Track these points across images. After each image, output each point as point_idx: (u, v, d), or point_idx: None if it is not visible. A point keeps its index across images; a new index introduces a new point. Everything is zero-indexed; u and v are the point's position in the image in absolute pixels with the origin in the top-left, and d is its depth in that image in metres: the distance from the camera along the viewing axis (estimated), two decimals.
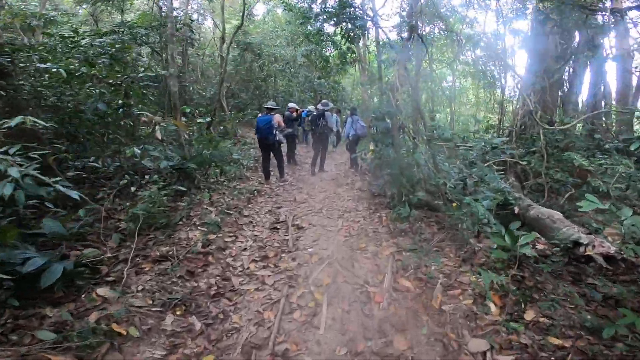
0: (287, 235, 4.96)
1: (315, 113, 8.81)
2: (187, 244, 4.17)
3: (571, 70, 11.10)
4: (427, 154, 5.71)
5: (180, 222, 4.84)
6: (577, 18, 6.83)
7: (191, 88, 12.14)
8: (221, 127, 10.16)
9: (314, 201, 6.46)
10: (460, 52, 22.18)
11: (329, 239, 4.78)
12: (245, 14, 11.94)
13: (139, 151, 4.75)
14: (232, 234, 4.87)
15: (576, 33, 10.17)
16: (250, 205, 6.13)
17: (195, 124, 7.83)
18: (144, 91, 5.60)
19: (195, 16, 18.67)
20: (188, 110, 9.45)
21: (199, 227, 4.79)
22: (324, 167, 8.89)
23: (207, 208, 5.42)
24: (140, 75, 5.22)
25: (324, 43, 18.63)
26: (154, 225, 4.41)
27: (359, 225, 5.41)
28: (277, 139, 7.44)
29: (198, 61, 16.96)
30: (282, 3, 12.39)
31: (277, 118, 7.41)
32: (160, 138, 4.61)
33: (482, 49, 21.53)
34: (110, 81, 5.01)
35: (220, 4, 13.34)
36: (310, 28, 8.53)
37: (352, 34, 8.45)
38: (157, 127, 4.50)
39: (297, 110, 9.32)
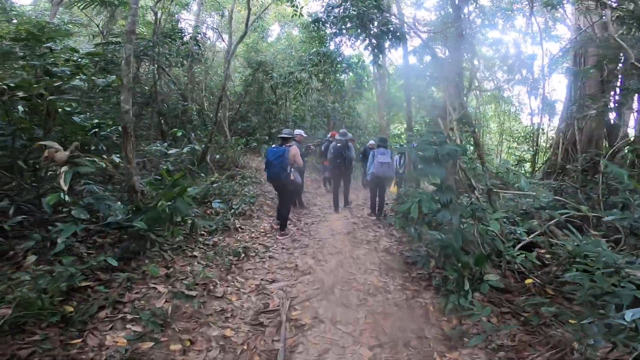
0: (278, 340, 2.95)
1: (338, 144, 7.12)
2: None
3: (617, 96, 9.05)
4: (497, 214, 3.61)
5: (102, 315, 2.86)
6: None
7: (193, 108, 10.44)
8: (217, 157, 8.24)
9: (322, 270, 4.38)
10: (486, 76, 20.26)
11: (344, 355, 2.75)
12: (251, 24, 10.28)
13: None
14: (186, 336, 2.86)
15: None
16: (230, 277, 4.07)
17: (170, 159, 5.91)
18: (69, 109, 3.73)
19: (210, 33, 17.38)
20: (180, 134, 7.61)
21: (128, 325, 2.80)
22: (349, 201, 7.53)
23: (155, 287, 3.40)
24: (66, 84, 3.31)
25: (338, 65, 17.06)
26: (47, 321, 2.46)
27: (391, 322, 3.35)
28: (292, 178, 5.52)
29: (207, 79, 15.36)
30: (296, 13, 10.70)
31: (294, 151, 5.52)
32: (64, 188, 2.66)
33: (511, 71, 19.64)
34: (20, 94, 3.12)
35: (228, 16, 11.76)
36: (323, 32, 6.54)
37: (377, 46, 6.58)
38: (62, 169, 2.57)
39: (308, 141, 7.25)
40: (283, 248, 5.01)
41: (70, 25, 10.86)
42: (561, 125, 12.59)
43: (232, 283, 3.95)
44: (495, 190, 4.03)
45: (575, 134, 11.62)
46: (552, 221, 4.32)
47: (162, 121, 7.73)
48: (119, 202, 3.77)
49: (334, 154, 7.14)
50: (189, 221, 4.06)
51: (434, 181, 3.38)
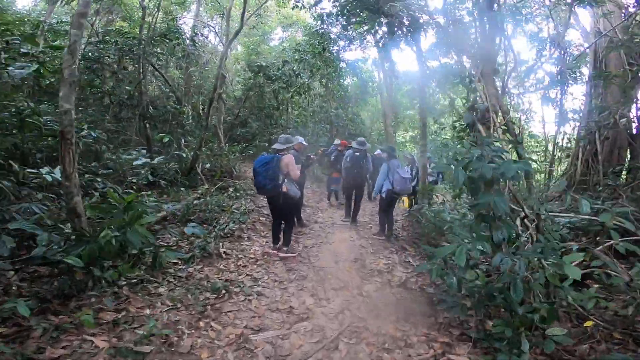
0: None
1: (356, 154, 6.45)
2: None
3: None
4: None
5: None
6: None
7: (186, 112, 9.57)
8: (207, 165, 7.29)
9: (324, 314, 3.40)
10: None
11: None
12: (246, 19, 9.41)
13: None
14: None
15: None
16: (202, 322, 3.09)
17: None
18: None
19: (211, 37, 16.59)
20: (167, 139, 6.69)
21: None
22: (357, 218, 6.64)
23: (91, 339, 2.44)
24: None
25: (342, 70, 16.17)
26: None
27: None
28: (284, 190, 4.58)
29: (205, 82, 14.48)
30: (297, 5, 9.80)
31: (286, 160, 4.58)
32: None
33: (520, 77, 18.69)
34: None
35: (225, 15, 10.91)
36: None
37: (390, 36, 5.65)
38: None
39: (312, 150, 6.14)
40: (275, 280, 4.01)
41: (66, 25, 10.06)
42: (580, 135, 11.62)
43: (205, 332, 2.96)
44: (546, 215, 3.06)
45: (597, 144, 10.65)
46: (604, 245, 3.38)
47: (147, 125, 6.82)
48: (61, 230, 2.81)
49: (351, 163, 6.31)
50: (152, 253, 3.09)
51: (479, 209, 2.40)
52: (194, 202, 5.34)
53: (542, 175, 15.74)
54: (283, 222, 5.27)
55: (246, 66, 14.59)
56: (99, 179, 4.85)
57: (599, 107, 11.37)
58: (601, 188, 10.42)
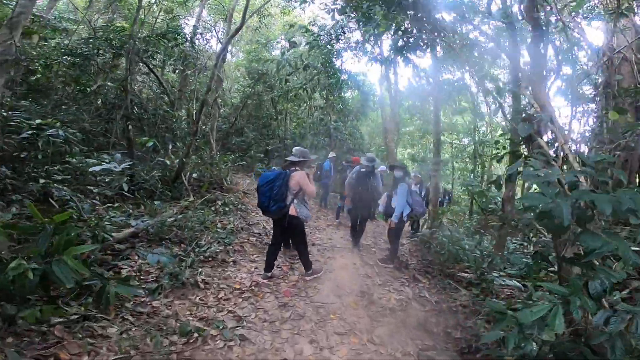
0: None
1: (362, 170, 5.66)
2: None
3: None
4: None
5: None
6: None
7: (176, 115, 8.80)
8: (194, 175, 6.47)
9: None
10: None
11: None
12: (249, 17, 8.75)
13: None
14: None
15: None
16: None
17: None
18: None
19: (213, 42, 15.93)
20: (151, 144, 5.92)
21: None
22: (360, 241, 5.78)
23: None
24: None
25: (343, 82, 15.61)
26: None
27: None
28: (294, 213, 3.90)
29: (202, 87, 13.76)
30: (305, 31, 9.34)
31: (298, 177, 3.87)
32: None
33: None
34: None
35: (227, 15, 10.28)
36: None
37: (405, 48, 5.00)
38: None
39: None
40: (265, 320, 3.18)
41: (64, 22, 9.36)
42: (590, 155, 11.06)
43: None
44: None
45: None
46: None
47: (130, 127, 6.03)
48: None
49: (356, 179, 5.59)
50: (98, 286, 2.27)
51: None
52: (171, 218, 4.47)
53: None
54: (283, 246, 4.69)
55: (246, 73, 13.95)
56: (60, 186, 4.03)
57: (610, 127, 10.86)
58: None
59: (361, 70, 33.85)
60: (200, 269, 3.78)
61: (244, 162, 9.11)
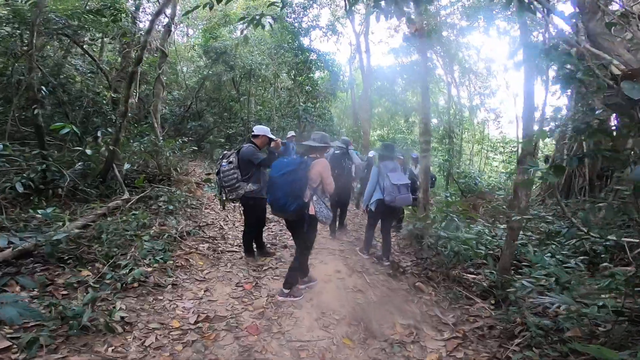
0: None
1: (337, 152, 5.17)
2: None
3: None
4: None
5: None
6: None
7: (108, 96, 7.11)
8: (126, 166, 4.98)
9: None
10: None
11: None
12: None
13: None
14: None
15: None
16: None
17: None
18: None
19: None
20: (67, 130, 4.39)
21: None
22: (345, 223, 5.57)
23: None
24: None
25: (312, 62, 14.29)
26: None
27: None
28: (312, 212, 2.93)
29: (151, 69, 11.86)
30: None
31: (319, 167, 2.96)
32: None
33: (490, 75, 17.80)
34: None
35: None
36: None
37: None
38: None
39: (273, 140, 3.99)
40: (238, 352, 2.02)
41: None
42: (563, 138, 10.62)
43: None
44: None
45: (584, 146, 9.65)
46: None
47: (37, 112, 4.45)
48: None
49: (331, 163, 4.48)
50: None
51: None
52: (74, 230, 3.09)
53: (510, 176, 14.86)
54: (245, 253, 3.86)
55: (203, 53, 12.21)
56: None
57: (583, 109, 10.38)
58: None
59: (331, 50, 32.43)
60: (118, 302, 2.51)
61: (196, 148, 7.62)
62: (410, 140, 19.61)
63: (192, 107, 11.47)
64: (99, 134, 5.31)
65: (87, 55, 8.14)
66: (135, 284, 2.85)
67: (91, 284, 2.61)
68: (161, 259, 3.13)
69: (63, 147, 4.79)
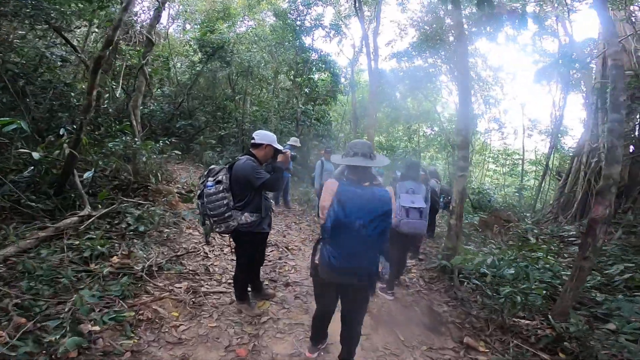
0: None
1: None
2: None
3: None
4: None
5: None
6: None
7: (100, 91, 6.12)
8: (89, 174, 3.92)
9: None
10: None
11: None
12: None
13: None
14: None
15: None
16: None
17: None
18: None
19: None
20: (15, 127, 3.38)
21: None
22: None
23: None
24: None
25: (313, 62, 13.40)
26: None
27: None
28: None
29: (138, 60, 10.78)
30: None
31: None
32: None
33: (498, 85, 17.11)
34: None
35: None
36: None
37: None
38: None
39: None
40: None
41: None
42: (581, 149, 9.91)
43: None
44: None
45: (602, 161, 8.96)
46: None
47: None
48: None
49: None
50: None
51: None
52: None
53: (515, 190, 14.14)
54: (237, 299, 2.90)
55: (198, 47, 11.19)
56: None
57: (603, 120, 9.72)
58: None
59: (333, 51, 31.65)
60: None
61: (179, 152, 6.52)
62: (411, 149, 18.84)
63: (184, 104, 10.45)
64: (62, 132, 4.32)
65: (69, 45, 7.12)
66: (73, 353, 1.90)
67: None
68: (112, 319, 2.14)
69: (10, 148, 3.76)
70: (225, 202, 2.32)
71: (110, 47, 3.88)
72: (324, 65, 13.55)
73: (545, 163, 11.68)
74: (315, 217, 6.04)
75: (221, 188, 2.33)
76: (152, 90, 11.57)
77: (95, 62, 3.70)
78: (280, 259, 3.97)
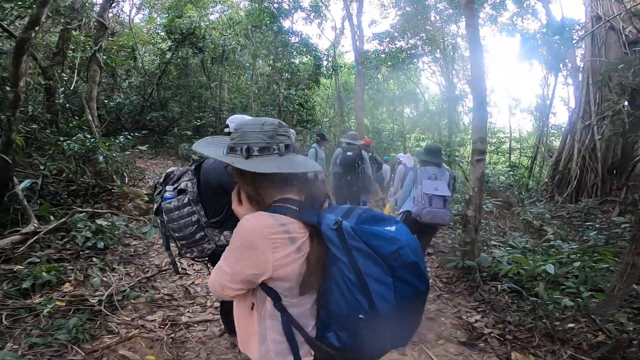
0: None
1: (348, 153, 4.23)
2: None
3: None
4: None
5: None
6: None
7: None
8: (27, 182, 3.14)
9: None
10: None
11: None
12: None
13: None
14: None
15: None
16: None
17: None
18: None
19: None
20: None
21: None
22: None
23: None
24: None
25: (293, 46, 12.59)
26: None
27: None
28: None
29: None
30: None
31: None
32: None
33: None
34: None
35: None
36: None
37: None
38: None
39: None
40: None
41: None
42: (572, 130, 9.67)
43: None
44: None
45: (595, 139, 8.81)
46: None
47: None
48: None
49: (342, 166, 4.27)
50: None
51: None
52: None
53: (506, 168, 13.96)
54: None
55: (165, 33, 10.16)
56: None
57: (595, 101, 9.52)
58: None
59: (314, 33, 30.68)
60: None
61: (144, 148, 5.61)
62: (397, 131, 18.40)
63: (154, 95, 9.52)
64: None
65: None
66: None
67: None
68: None
69: None
70: (194, 219, 1.61)
71: (37, 28, 3.04)
72: (305, 49, 12.80)
73: (537, 141, 11.44)
74: None
75: (186, 200, 1.61)
76: (119, 82, 10.58)
77: (18, 46, 2.91)
78: None
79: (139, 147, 5.19)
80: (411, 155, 6.20)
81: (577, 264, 2.65)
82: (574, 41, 10.00)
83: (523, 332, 2.49)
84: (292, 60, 12.85)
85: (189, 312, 2.41)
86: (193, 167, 1.72)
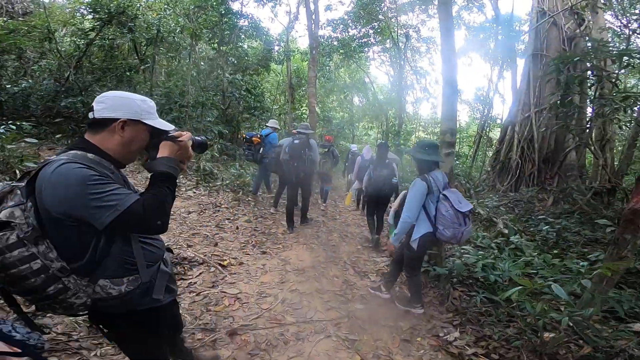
0: None
1: (296, 142, 4.46)
2: None
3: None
4: None
5: None
6: None
7: None
8: None
9: None
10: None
11: None
12: None
13: None
14: None
15: None
16: None
17: None
18: None
19: None
20: None
21: None
22: (307, 217, 4.99)
23: None
24: None
25: (242, 29, 11.55)
26: None
27: None
28: None
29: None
30: None
31: None
32: None
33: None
34: None
35: None
36: None
37: None
38: None
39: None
40: None
41: None
42: (515, 118, 10.02)
43: None
44: None
45: (534, 130, 9.24)
46: None
47: None
48: None
49: (290, 154, 4.50)
50: None
51: None
52: None
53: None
54: None
55: (89, 12, 8.59)
56: None
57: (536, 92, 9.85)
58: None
59: (266, 17, 29.38)
60: None
61: (35, 141, 4.42)
62: (347, 119, 18.15)
63: (71, 79, 8.04)
64: None
65: None
66: None
67: None
68: None
69: None
70: (35, 267, 0.92)
71: None
72: (255, 33, 11.82)
73: (479, 131, 11.80)
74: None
75: (12, 238, 0.90)
76: (25, 66, 8.83)
77: None
78: (213, 286, 2.71)
79: (28, 140, 4.09)
80: (370, 147, 5.93)
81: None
82: (522, 36, 10.35)
83: (507, 348, 2.16)
84: (240, 44, 11.81)
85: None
86: (24, 182, 0.99)
